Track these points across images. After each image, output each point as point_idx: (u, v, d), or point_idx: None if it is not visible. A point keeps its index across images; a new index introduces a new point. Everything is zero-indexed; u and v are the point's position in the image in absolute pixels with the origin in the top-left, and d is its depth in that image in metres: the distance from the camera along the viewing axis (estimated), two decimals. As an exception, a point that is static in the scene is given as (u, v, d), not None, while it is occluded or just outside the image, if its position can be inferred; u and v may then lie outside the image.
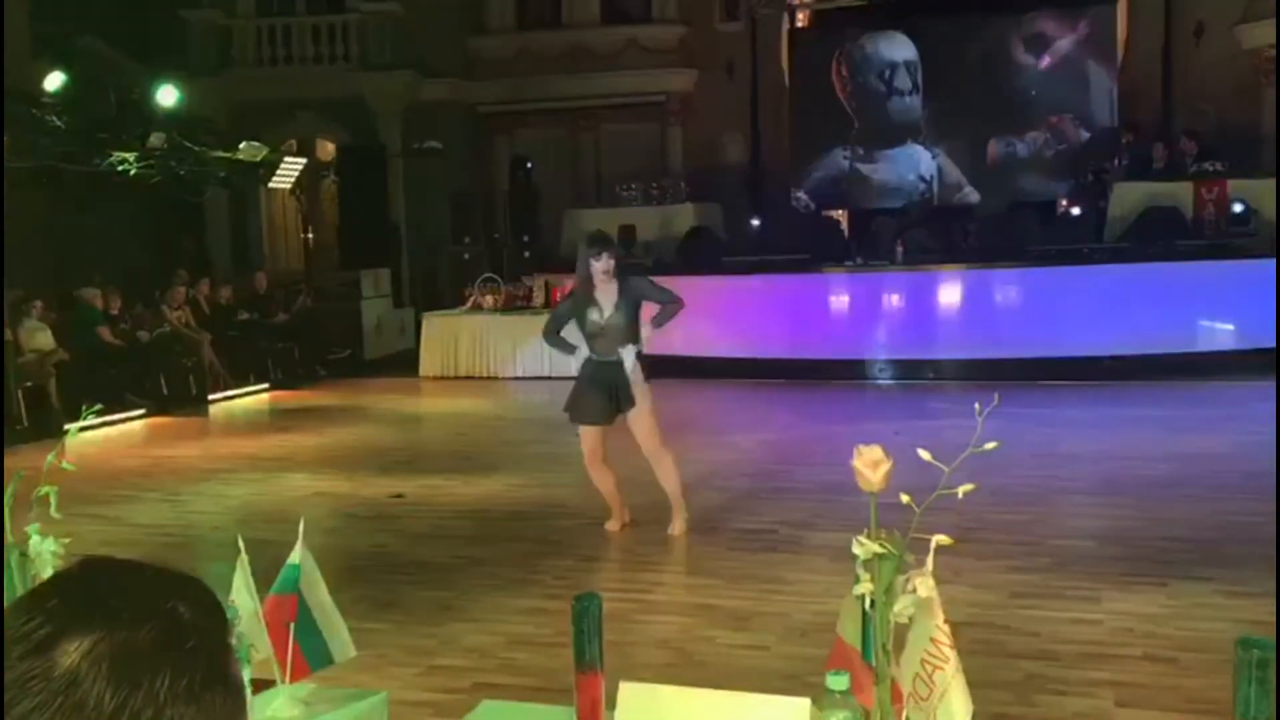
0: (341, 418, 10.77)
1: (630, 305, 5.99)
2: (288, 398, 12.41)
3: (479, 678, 4.18)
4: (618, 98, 17.29)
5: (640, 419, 6.01)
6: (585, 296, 5.97)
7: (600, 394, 5.97)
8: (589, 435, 6.04)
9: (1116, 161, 14.35)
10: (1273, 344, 10.30)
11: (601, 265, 5.90)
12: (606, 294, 5.96)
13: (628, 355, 5.96)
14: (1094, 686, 3.94)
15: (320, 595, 2.35)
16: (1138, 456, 7.57)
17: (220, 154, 13.11)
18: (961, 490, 1.73)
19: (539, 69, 17.48)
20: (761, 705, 1.80)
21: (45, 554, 2.19)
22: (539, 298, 13.38)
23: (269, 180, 14.18)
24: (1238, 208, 12.44)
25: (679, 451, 5.94)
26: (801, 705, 1.77)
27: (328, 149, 17.25)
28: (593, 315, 5.95)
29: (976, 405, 1.76)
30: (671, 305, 6.17)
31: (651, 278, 6.46)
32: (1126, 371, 10.74)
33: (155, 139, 11.75)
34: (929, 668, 1.74)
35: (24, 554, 2.21)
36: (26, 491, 2.29)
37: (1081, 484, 6.94)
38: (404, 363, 13.68)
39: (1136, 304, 11.20)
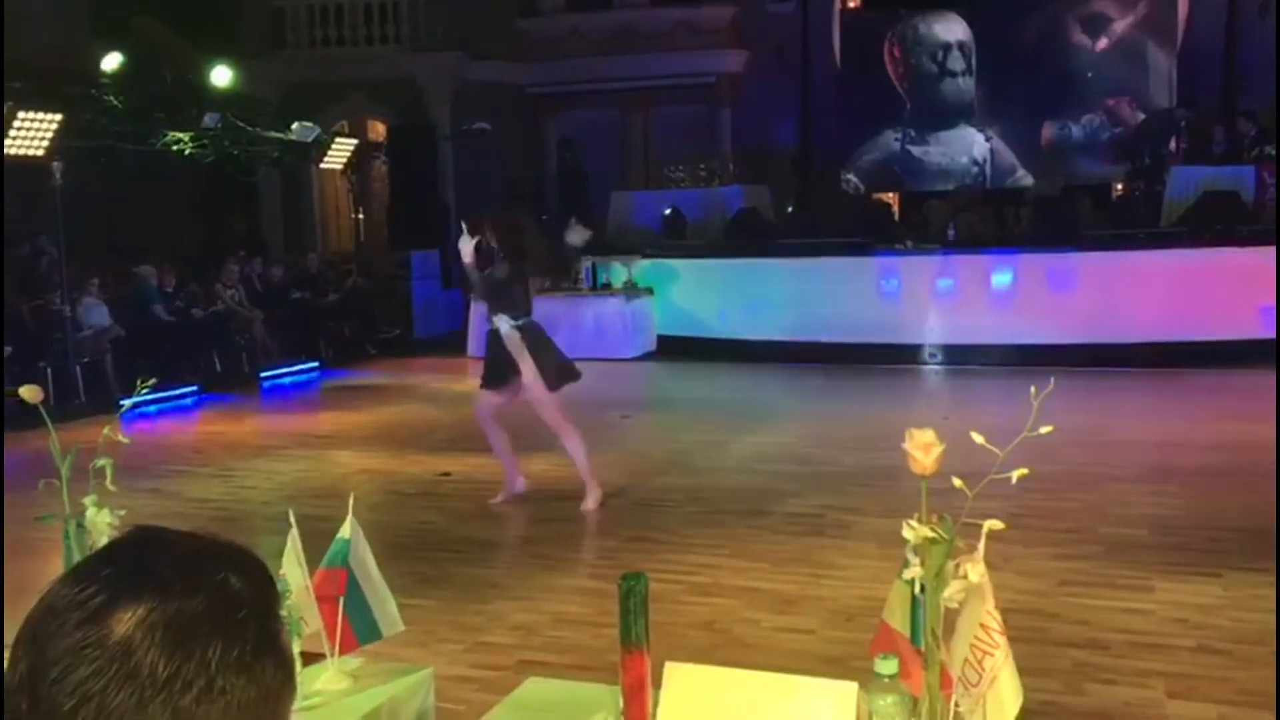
0: (390, 396, 10.86)
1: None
2: (338, 376, 12.53)
3: (524, 655, 4.20)
4: (667, 79, 17.23)
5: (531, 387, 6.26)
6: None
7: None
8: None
9: (1174, 145, 14.06)
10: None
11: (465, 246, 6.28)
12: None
13: (502, 324, 6.22)
14: (1145, 677, 3.89)
15: (369, 570, 2.37)
16: (1192, 444, 7.44)
17: (273, 134, 13.22)
18: (1015, 475, 1.71)
19: (588, 50, 17.46)
20: (809, 688, 1.79)
21: (101, 525, 2.23)
22: (587, 279, 13.40)
23: (321, 161, 14.29)
24: None
25: (733, 434, 5.94)
26: (849, 689, 1.76)
27: (378, 130, 17.35)
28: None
29: (1032, 389, 1.73)
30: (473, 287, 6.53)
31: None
32: (1182, 358, 10.55)
33: (209, 119, 11.88)
34: (978, 653, 1.72)
35: (81, 524, 2.25)
36: (84, 464, 2.33)
37: (1134, 471, 6.83)
38: (453, 343, 13.75)
39: (1193, 289, 10.99)
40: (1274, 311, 10.56)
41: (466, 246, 6.31)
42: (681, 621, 4.45)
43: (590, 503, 6.30)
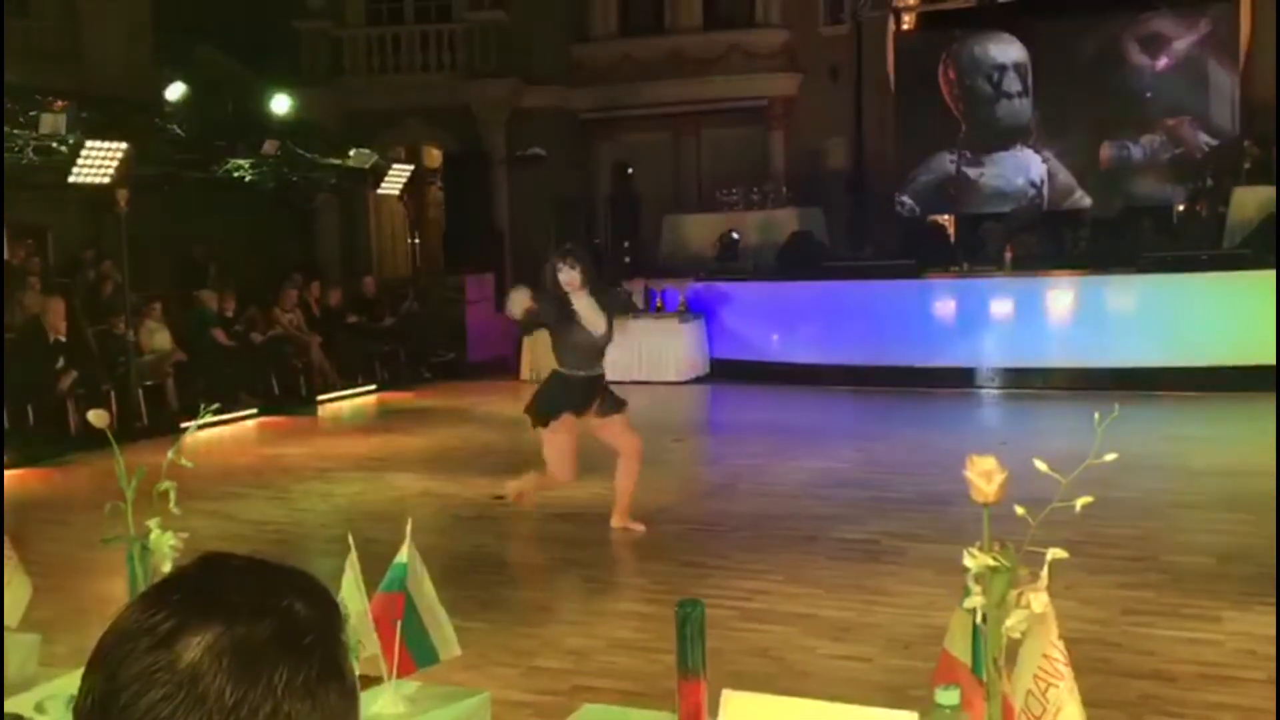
0: (445, 419, 10.93)
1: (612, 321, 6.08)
2: (393, 399, 12.65)
3: (579, 680, 4.19)
4: (719, 102, 17.26)
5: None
6: (568, 310, 5.93)
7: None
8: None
9: (1238, 177, 13.83)
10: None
11: (565, 277, 5.88)
12: (588, 309, 5.92)
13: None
14: (1212, 710, 3.79)
15: (427, 594, 2.38)
16: (1261, 471, 7.26)
17: (331, 161, 13.44)
18: (1080, 503, 1.68)
19: (641, 74, 17.54)
20: (868, 718, 1.77)
21: (164, 548, 2.27)
22: (639, 303, 13.42)
23: (377, 187, 14.49)
24: None
25: (787, 458, 5.90)
26: (909, 719, 1.73)
27: (434, 156, 17.56)
28: (587, 330, 5.92)
29: (1096, 415, 1.71)
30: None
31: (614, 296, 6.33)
32: (1247, 382, 10.33)
33: (269, 146, 12.10)
34: (1042, 684, 1.69)
35: (145, 547, 2.29)
36: (147, 487, 2.37)
37: (1200, 498, 6.69)
38: (506, 366, 13.84)
39: (1258, 312, 10.77)
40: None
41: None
42: (736, 648, 4.41)
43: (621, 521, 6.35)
